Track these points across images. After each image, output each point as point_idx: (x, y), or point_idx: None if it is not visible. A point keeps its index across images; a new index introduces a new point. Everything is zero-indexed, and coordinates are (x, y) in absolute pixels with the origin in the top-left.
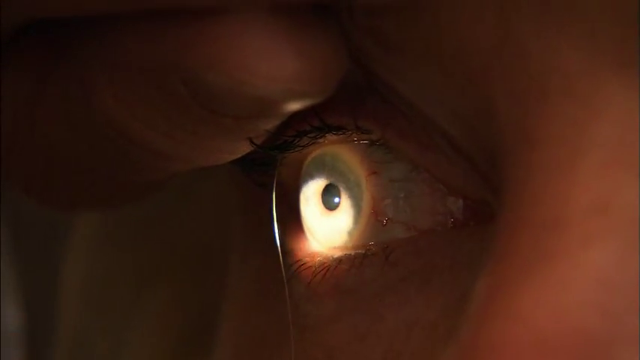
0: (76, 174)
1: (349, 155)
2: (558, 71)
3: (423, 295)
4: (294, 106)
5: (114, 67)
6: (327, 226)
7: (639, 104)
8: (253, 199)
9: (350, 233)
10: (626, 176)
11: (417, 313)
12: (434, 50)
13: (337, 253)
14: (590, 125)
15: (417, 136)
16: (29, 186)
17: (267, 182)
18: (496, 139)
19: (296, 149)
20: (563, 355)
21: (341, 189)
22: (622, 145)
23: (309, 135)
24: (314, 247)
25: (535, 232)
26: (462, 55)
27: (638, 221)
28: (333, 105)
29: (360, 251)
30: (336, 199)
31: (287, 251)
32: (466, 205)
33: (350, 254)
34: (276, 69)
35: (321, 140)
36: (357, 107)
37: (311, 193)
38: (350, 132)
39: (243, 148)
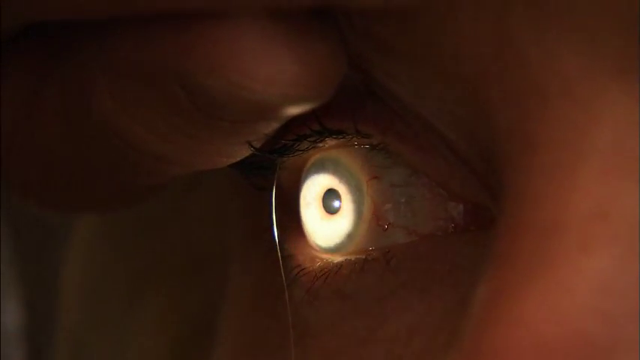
0: (74, 176)
1: (350, 159)
2: (558, 75)
3: (423, 299)
4: (292, 110)
5: (113, 71)
6: (327, 231)
7: (639, 110)
8: (253, 203)
9: (350, 237)
10: (627, 182)
11: (418, 317)
12: (432, 55)
13: (337, 258)
14: (591, 130)
15: (417, 141)
16: (28, 188)
17: (267, 186)
18: (495, 144)
19: (295, 153)
20: None
21: (342, 193)
22: (622, 150)
23: (308, 139)
24: (314, 251)
25: (535, 236)
26: (461, 59)
27: (638, 227)
28: (333, 109)
29: (360, 256)
30: (337, 203)
31: (287, 255)
32: (466, 209)
33: (350, 259)
34: (274, 73)
35: (320, 145)
36: (357, 111)
37: (311, 197)
38: (350, 136)
39: (242, 152)
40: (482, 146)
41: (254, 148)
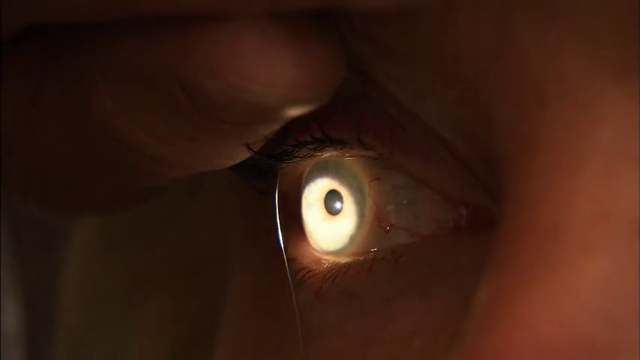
0: (74, 178)
1: (352, 161)
2: (558, 76)
3: (425, 300)
4: (292, 112)
5: (112, 72)
6: (329, 232)
7: (639, 111)
8: (252, 204)
9: (352, 239)
10: (627, 183)
11: (420, 318)
12: (432, 56)
13: (341, 259)
14: (591, 131)
15: (419, 148)
16: (28, 189)
17: (268, 190)
18: (495, 145)
19: (293, 160)
20: None
21: (344, 194)
22: (622, 151)
23: (308, 146)
24: (317, 253)
25: (537, 239)
26: (460, 60)
27: (639, 228)
28: (335, 118)
29: (369, 256)
30: (339, 205)
31: (290, 258)
32: (468, 211)
33: (359, 259)
34: (274, 75)
35: (319, 153)
36: (360, 122)
37: (313, 199)
38: (350, 147)
39: (242, 154)
40: (482, 148)
41: (253, 151)
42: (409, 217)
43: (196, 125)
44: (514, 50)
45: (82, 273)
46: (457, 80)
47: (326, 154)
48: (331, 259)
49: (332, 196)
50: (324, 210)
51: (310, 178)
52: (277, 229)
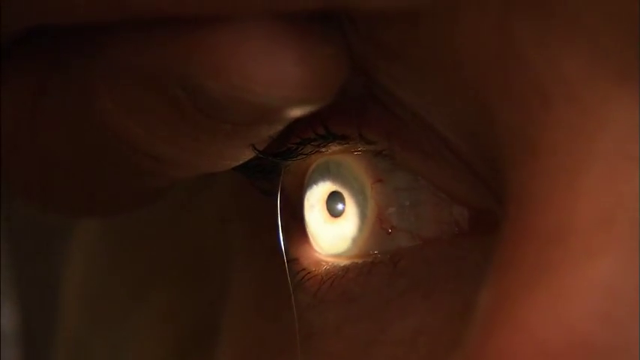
0: (76, 180)
1: (354, 162)
2: (561, 79)
3: (427, 303)
4: (294, 112)
5: (114, 73)
6: (331, 234)
7: None
8: (255, 206)
9: (354, 241)
10: (630, 187)
11: (422, 321)
12: (435, 59)
13: (342, 262)
14: (594, 134)
15: (421, 146)
16: (29, 191)
17: (272, 189)
18: (498, 148)
19: (299, 157)
20: None
21: (346, 196)
22: (625, 154)
23: (312, 143)
24: (318, 254)
25: (539, 242)
26: (463, 63)
27: None
28: (337, 113)
29: (367, 259)
30: (341, 206)
31: (291, 259)
32: (471, 214)
33: (357, 262)
34: (276, 76)
35: (324, 149)
36: (362, 117)
37: (315, 200)
38: (354, 142)
39: (245, 155)
40: (485, 150)
41: (258, 151)
42: (411, 219)
43: (198, 126)
44: (517, 53)
45: (83, 274)
46: (460, 82)
47: (330, 150)
48: (333, 260)
49: (334, 198)
50: (326, 212)
51: (312, 179)
52: (278, 229)
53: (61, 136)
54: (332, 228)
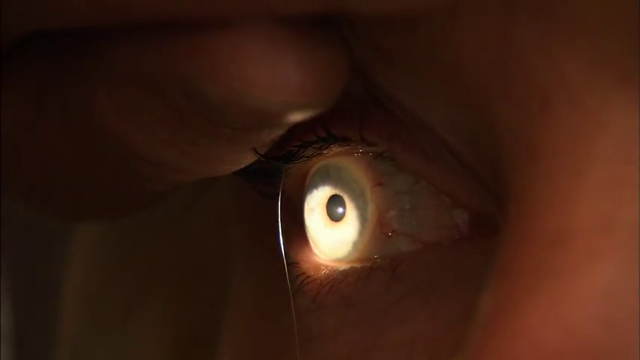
0: (76, 184)
1: (354, 166)
2: (561, 83)
3: (427, 308)
4: (294, 117)
5: (113, 78)
6: (331, 238)
7: None
8: (255, 209)
9: (355, 245)
10: (631, 191)
11: (421, 326)
12: (435, 62)
13: (342, 266)
14: (595, 138)
15: (422, 148)
16: (29, 195)
17: (272, 192)
18: (499, 151)
19: (300, 160)
20: None
21: (346, 200)
22: (626, 159)
23: (313, 145)
24: (318, 258)
25: (540, 246)
26: (463, 67)
27: None
28: (338, 116)
29: (366, 264)
30: (341, 210)
31: (291, 263)
32: (471, 217)
33: (356, 267)
34: (275, 80)
35: (325, 151)
36: (363, 119)
37: (315, 204)
38: (355, 143)
39: (246, 159)
40: (486, 154)
41: (259, 154)
42: (412, 223)
43: (198, 130)
44: (517, 56)
45: (83, 276)
46: (460, 86)
47: (332, 152)
48: (332, 265)
49: (334, 202)
50: (327, 216)
51: (312, 183)
52: (279, 232)
53: (60, 139)
54: (332, 232)
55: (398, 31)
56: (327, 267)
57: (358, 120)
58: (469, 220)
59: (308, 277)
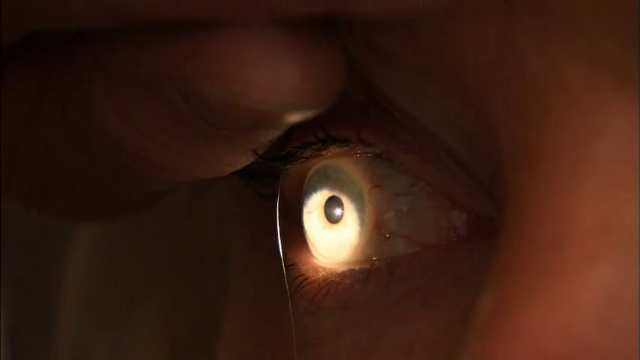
0: (75, 185)
1: (352, 168)
2: (560, 85)
3: (425, 310)
4: (292, 118)
5: (113, 79)
6: (329, 239)
7: None
8: (254, 211)
9: (353, 246)
10: (629, 193)
11: (420, 328)
12: (433, 65)
13: (340, 268)
14: (593, 141)
15: (420, 150)
16: (29, 195)
17: (270, 194)
18: (498, 153)
19: (299, 161)
20: None
21: (344, 202)
22: (625, 161)
23: (312, 146)
24: (316, 260)
25: (539, 248)
26: (462, 69)
27: None
28: (337, 117)
29: (364, 266)
30: (339, 212)
31: (289, 264)
32: (469, 219)
33: (354, 269)
34: (274, 82)
35: (324, 152)
36: (361, 120)
37: (313, 206)
38: (353, 144)
39: (244, 160)
40: (485, 156)
41: (258, 155)
42: (409, 225)
43: (197, 131)
44: (516, 58)
45: (82, 276)
46: (459, 88)
47: (330, 153)
48: (330, 267)
49: (332, 203)
50: (324, 217)
51: (311, 185)
52: (277, 233)
53: (60, 139)
54: (330, 234)
55: (397, 33)
56: (325, 269)
57: (356, 121)
58: (467, 221)
59: (306, 278)
